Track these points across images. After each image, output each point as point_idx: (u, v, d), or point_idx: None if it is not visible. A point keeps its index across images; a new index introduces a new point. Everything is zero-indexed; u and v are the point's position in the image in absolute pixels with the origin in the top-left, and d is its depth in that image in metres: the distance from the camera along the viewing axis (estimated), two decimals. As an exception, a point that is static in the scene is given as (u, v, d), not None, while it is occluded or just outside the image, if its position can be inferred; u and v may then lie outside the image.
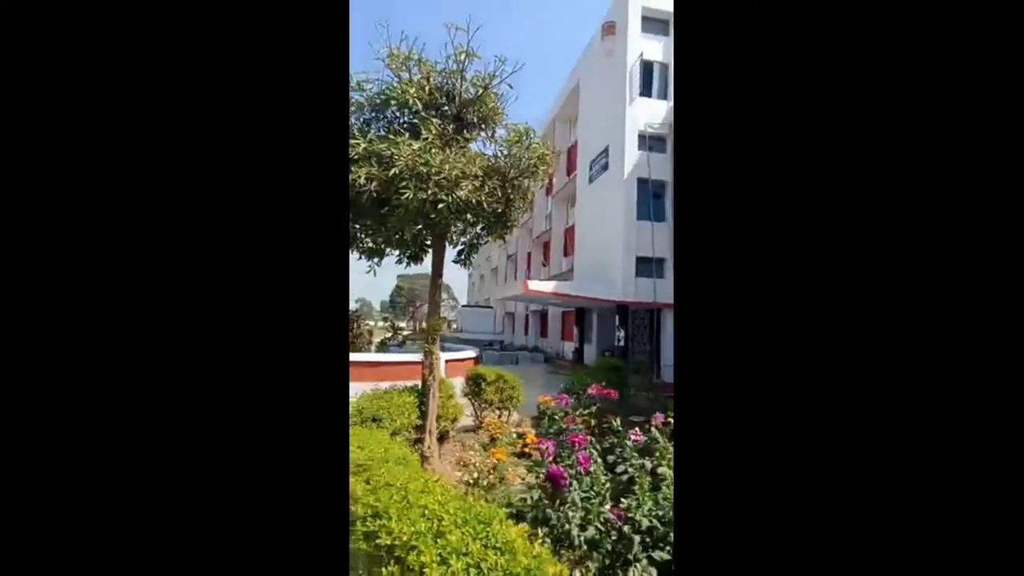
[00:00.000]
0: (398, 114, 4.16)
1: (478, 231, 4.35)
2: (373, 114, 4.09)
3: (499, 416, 6.76)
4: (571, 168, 20.66)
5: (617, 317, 14.22)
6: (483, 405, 6.70)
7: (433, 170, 3.49)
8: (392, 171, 3.49)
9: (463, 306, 27.51)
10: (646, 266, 14.05)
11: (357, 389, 4.24)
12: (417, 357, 11.30)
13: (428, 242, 4.71)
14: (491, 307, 27.96)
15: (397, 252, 5.11)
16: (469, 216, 3.74)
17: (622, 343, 14.06)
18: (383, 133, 3.97)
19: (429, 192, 3.46)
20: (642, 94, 14.33)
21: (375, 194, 3.52)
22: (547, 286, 13.15)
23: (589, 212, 16.47)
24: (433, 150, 3.66)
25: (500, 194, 3.93)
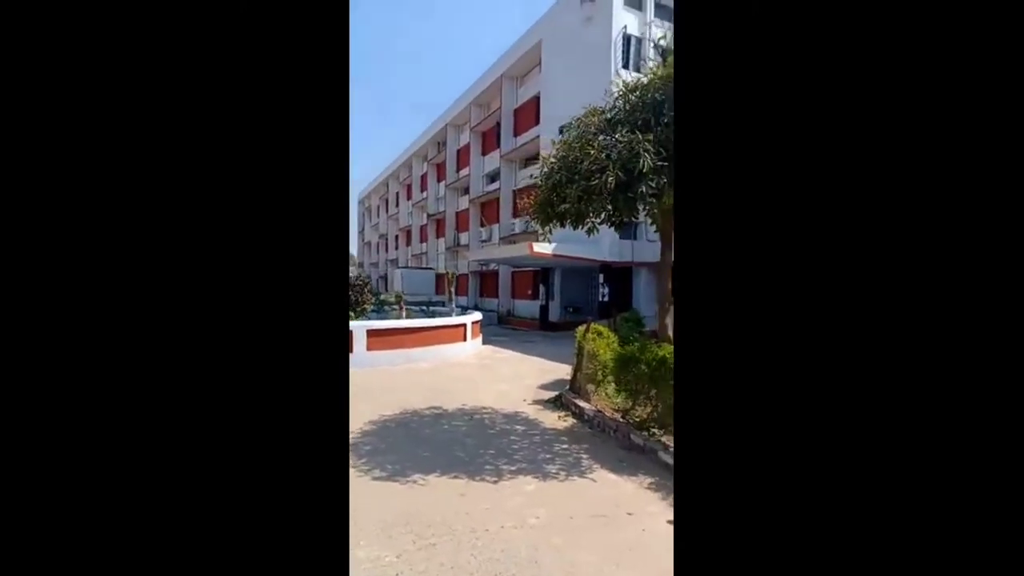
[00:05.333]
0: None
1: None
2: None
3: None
4: (519, 129, 20.95)
5: (601, 275, 15.50)
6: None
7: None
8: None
9: (401, 267, 26.53)
10: (624, 229, 15.39)
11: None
12: (460, 320, 11.12)
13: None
14: (431, 268, 27.50)
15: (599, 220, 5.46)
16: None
17: (606, 299, 15.43)
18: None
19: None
20: (623, 66, 15.24)
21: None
22: (548, 248, 13.81)
23: (560, 176, 17.06)
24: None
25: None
